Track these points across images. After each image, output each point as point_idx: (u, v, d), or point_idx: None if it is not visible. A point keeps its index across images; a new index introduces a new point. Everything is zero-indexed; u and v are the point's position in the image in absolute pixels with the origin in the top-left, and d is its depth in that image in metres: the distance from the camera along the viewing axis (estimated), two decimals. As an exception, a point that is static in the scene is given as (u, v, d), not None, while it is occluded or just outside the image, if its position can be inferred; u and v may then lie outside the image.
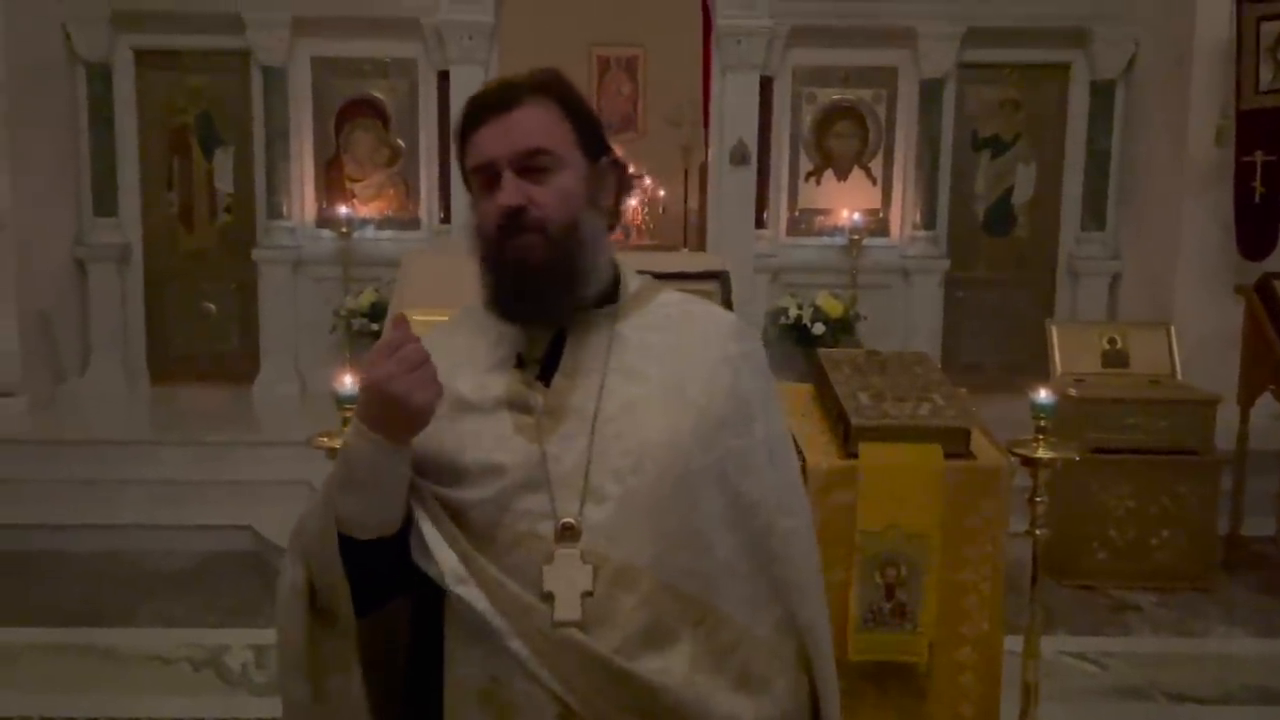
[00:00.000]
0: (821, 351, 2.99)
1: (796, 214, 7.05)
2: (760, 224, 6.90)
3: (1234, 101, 5.66)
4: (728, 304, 2.87)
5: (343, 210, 6.82)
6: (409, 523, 1.32)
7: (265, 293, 6.86)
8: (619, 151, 1.48)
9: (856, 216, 6.86)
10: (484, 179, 1.37)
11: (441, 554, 1.29)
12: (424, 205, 6.97)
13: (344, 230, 6.73)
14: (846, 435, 2.54)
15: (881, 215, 7.02)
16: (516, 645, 1.27)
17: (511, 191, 1.34)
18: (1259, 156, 5.58)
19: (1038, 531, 2.86)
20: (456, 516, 1.32)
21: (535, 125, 1.36)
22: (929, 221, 6.92)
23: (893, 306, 6.92)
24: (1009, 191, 7.01)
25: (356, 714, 1.34)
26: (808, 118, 6.97)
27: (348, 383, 2.69)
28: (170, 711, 3.58)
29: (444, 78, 6.72)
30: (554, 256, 1.35)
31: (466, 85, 6.27)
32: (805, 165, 7.01)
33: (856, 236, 6.82)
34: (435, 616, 1.35)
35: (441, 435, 1.33)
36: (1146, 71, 6.63)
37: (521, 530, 1.31)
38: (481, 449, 1.33)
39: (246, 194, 6.90)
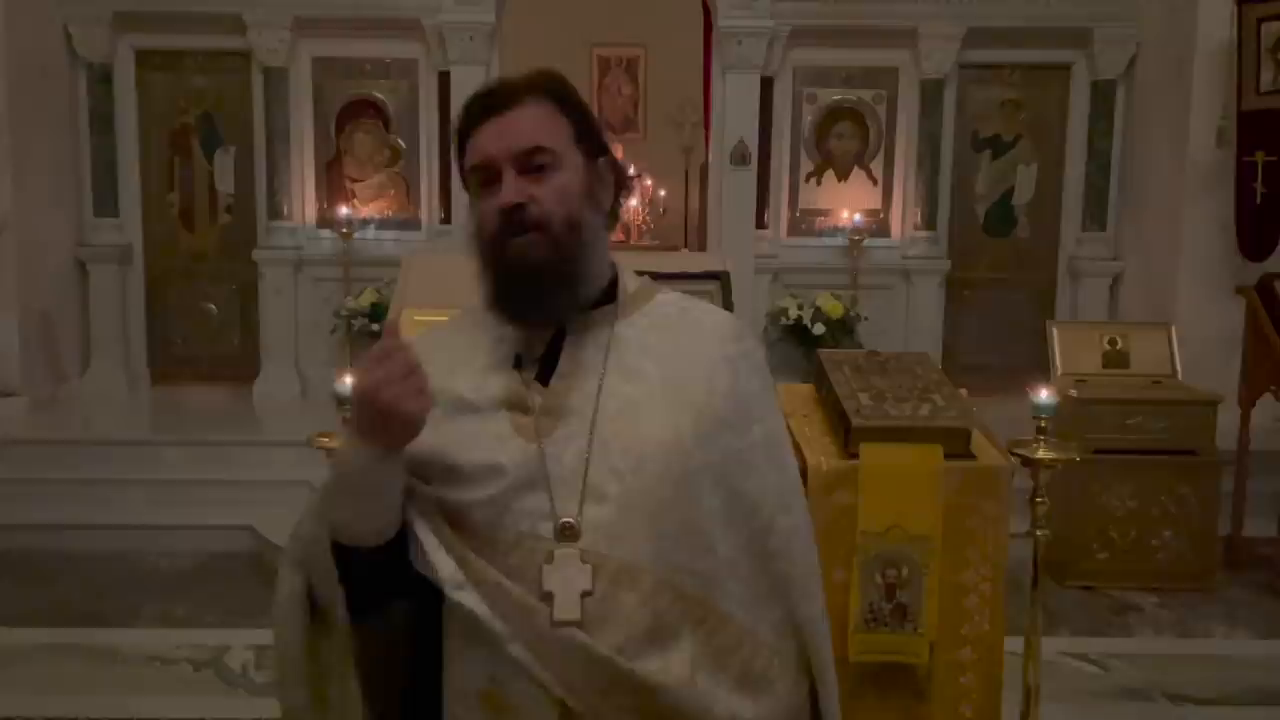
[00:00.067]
0: (822, 352, 2.98)
1: (797, 214, 7.05)
2: (761, 224, 6.90)
3: (1235, 102, 5.67)
4: (728, 304, 2.87)
5: (343, 211, 6.82)
6: (407, 526, 1.32)
7: (266, 293, 6.87)
8: (619, 152, 1.48)
9: (857, 217, 6.87)
10: (483, 178, 1.37)
11: (439, 560, 1.29)
12: (424, 206, 6.97)
13: (344, 231, 6.73)
14: (847, 436, 2.54)
15: (882, 216, 7.02)
16: (517, 649, 1.27)
17: (512, 189, 1.34)
18: (1260, 157, 5.58)
19: (1038, 532, 2.85)
20: (457, 518, 1.32)
21: (534, 124, 1.36)
22: (929, 222, 6.92)
23: (893, 307, 6.92)
24: (1010, 192, 7.02)
25: (354, 719, 1.34)
26: (808, 118, 6.97)
27: (348, 383, 2.68)
28: (170, 711, 3.58)
29: (445, 78, 6.73)
30: (555, 255, 1.35)
31: (467, 85, 6.17)
32: (806, 166, 7.01)
33: (857, 237, 6.82)
34: (435, 618, 1.35)
35: (441, 436, 1.33)
36: (1147, 72, 6.63)
37: (522, 530, 1.30)
38: (481, 449, 1.33)
39: (247, 194, 6.91)
